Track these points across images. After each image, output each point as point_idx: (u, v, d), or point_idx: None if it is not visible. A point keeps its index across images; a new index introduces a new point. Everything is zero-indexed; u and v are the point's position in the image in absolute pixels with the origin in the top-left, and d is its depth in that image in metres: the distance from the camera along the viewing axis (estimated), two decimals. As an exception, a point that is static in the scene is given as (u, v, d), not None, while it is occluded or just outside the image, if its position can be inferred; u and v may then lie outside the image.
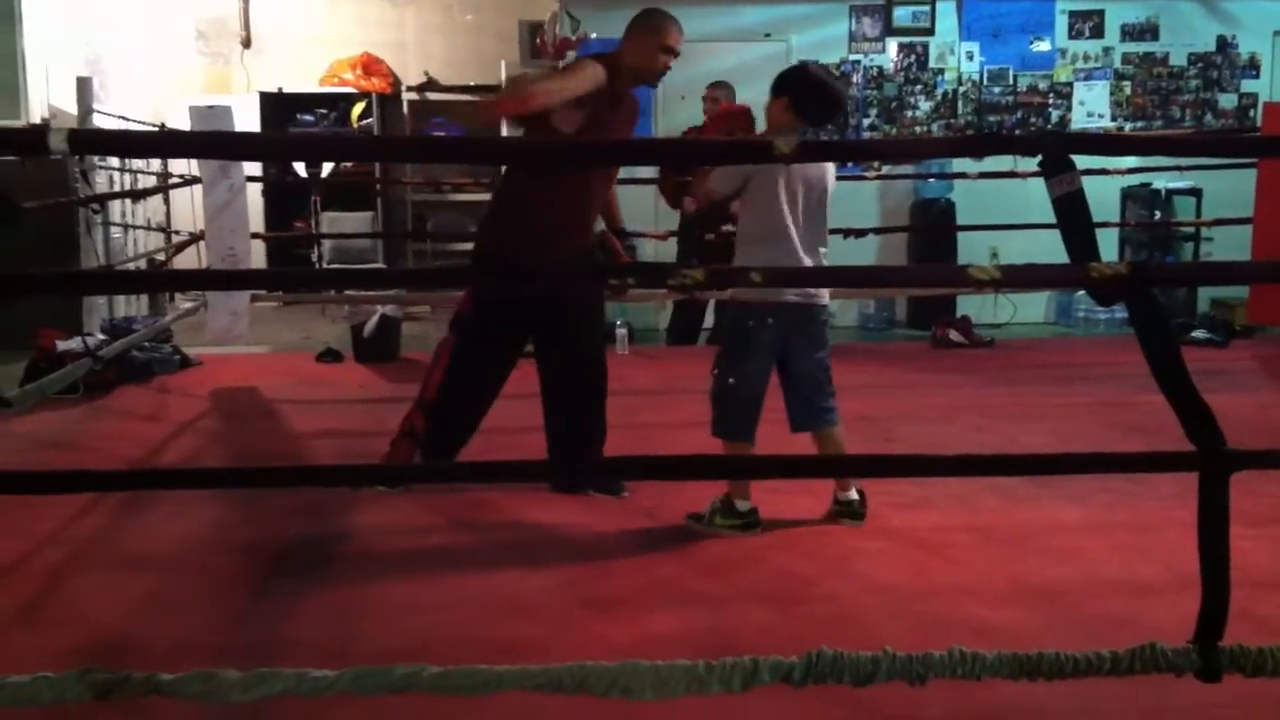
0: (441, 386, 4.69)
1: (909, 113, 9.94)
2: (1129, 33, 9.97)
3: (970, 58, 9.92)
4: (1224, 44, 9.99)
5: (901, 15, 9.85)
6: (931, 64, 9.93)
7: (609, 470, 4.51)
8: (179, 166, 8.90)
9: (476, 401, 4.71)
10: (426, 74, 11.28)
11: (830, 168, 4.20)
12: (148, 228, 9.81)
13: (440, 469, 4.57)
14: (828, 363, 4.23)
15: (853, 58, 9.85)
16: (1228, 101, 10.05)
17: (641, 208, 8.74)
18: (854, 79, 9.82)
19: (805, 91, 4.12)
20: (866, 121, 9.85)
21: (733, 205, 4.33)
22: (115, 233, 8.63)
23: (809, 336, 4.16)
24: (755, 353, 4.12)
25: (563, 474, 4.64)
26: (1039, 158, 2.25)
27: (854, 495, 4.23)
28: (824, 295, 4.21)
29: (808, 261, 4.06)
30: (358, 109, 11.06)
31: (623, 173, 9.06)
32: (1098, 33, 9.95)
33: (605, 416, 4.70)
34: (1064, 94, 9.99)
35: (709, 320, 8.69)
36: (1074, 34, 9.95)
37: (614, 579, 3.76)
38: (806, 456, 4.03)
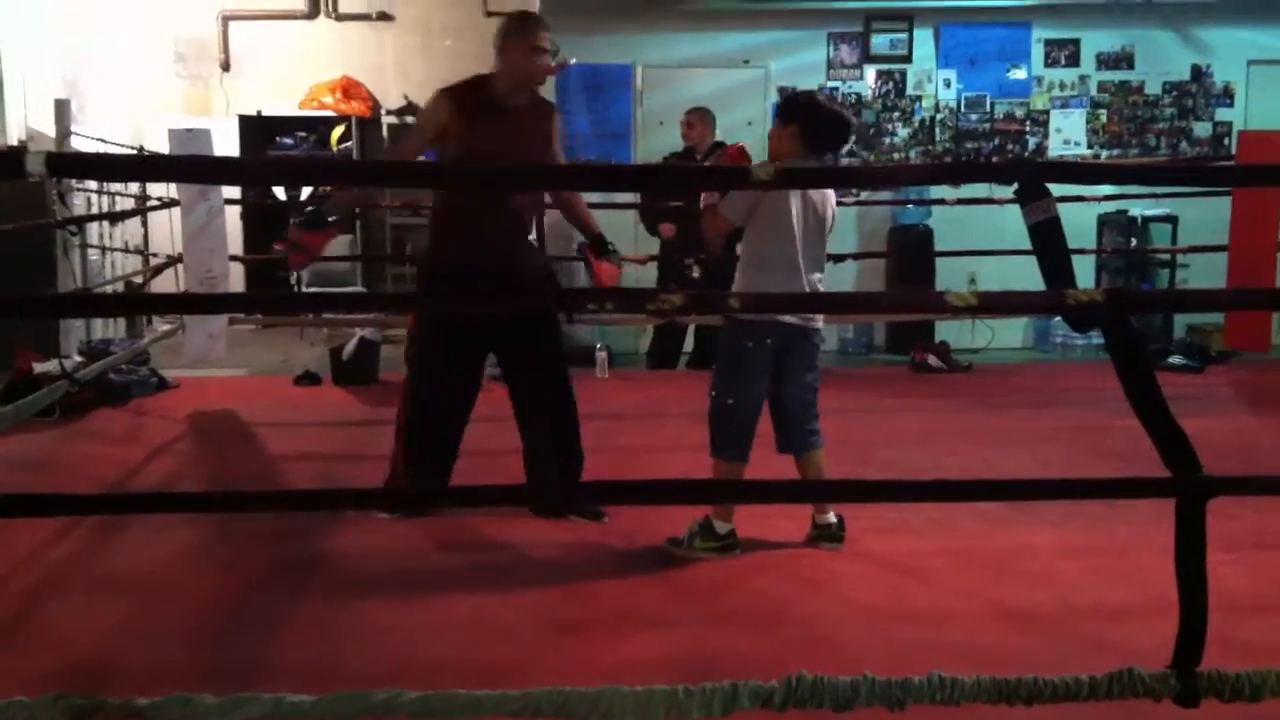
0: (406, 417, 4.70)
1: (887, 139, 10.00)
2: (1104, 61, 10.06)
3: (947, 85, 10.00)
4: (1199, 73, 10.09)
5: (879, 43, 9.93)
6: (909, 91, 10.00)
7: (588, 494, 4.51)
8: (157, 188, 8.88)
9: (444, 424, 4.69)
10: (406, 97, 11.28)
11: (831, 194, 4.26)
12: (125, 250, 9.78)
13: (419, 493, 4.56)
14: (817, 385, 4.28)
15: (830, 84, 9.92)
16: (1203, 129, 10.15)
17: (622, 232, 8.76)
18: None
19: (817, 120, 4.16)
20: (844, 148, 9.89)
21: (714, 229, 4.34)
22: (93, 255, 8.62)
23: (802, 359, 4.20)
24: (752, 372, 4.16)
25: (541, 498, 4.63)
26: (1014, 186, 2.27)
27: (832, 519, 4.24)
28: (819, 319, 4.26)
29: (809, 287, 4.12)
30: (337, 132, 11.05)
31: (601, 199, 9.14)
32: (1074, 61, 10.05)
33: (579, 438, 4.69)
34: (1040, 121, 10.07)
35: (689, 344, 8.71)
36: (1050, 62, 10.03)
37: (593, 602, 3.75)
38: (787, 482, 4.04)
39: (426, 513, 4.61)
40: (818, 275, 4.20)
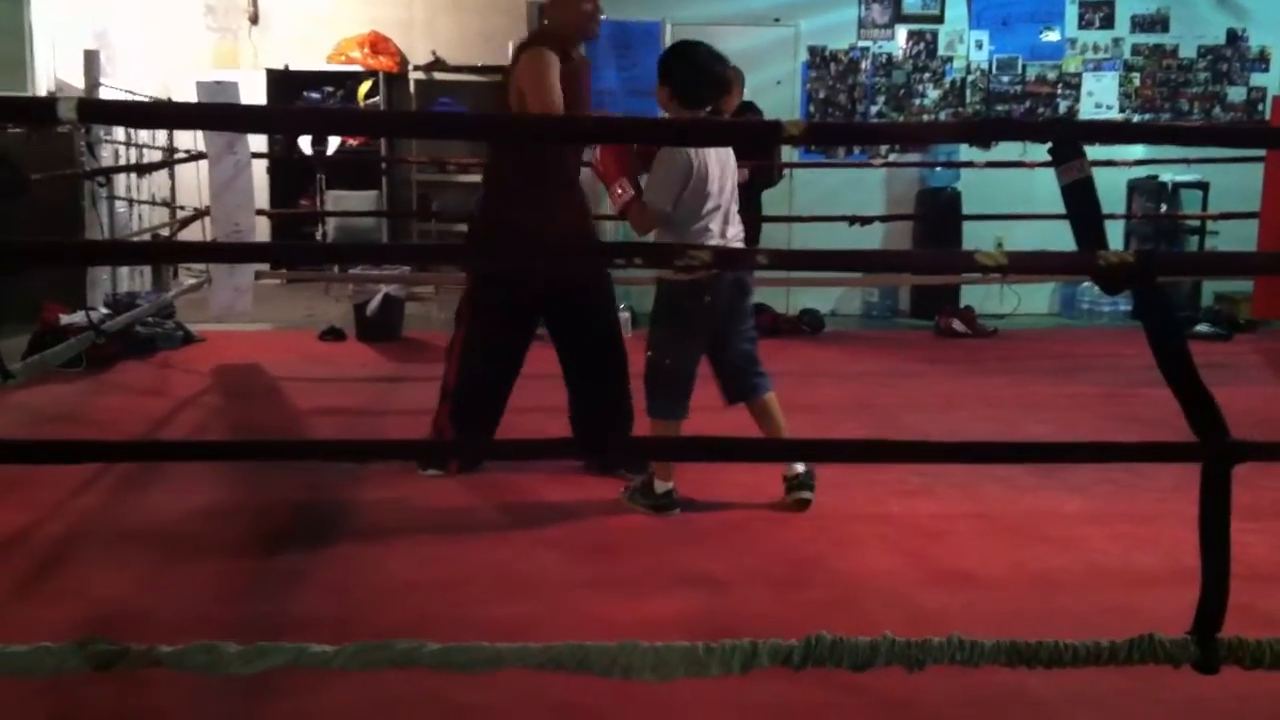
0: (458, 376, 4.69)
1: (917, 101, 9.91)
2: (1139, 24, 9.93)
3: (979, 46, 9.88)
4: (1234, 37, 9.95)
5: (911, 3, 9.82)
6: (940, 52, 9.89)
7: (641, 451, 4.51)
8: (184, 141, 8.89)
9: (494, 386, 4.70)
10: (434, 53, 11.25)
11: (731, 153, 4.22)
12: (153, 202, 9.80)
13: (468, 448, 4.57)
14: (754, 334, 4.31)
15: (861, 44, 9.82)
16: (1237, 95, 10.01)
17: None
18: (863, 65, 9.79)
19: (685, 77, 4.12)
20: (874, 109, 9.82)
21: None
22: (120, 207, 8.63)
23: (740, 311, 4.22)
24: (692, 331, 4.16)
25: (588, 453, 4.62)
26: (1048, 145, 2.24)
27: (799, 468, 4.24)
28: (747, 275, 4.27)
29: (728, 236, 4.15)
30: (364, 87, 11.02)
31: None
32: (1108, 23, 9.92)
33: (630, 397, 4.66)
34: (1072, 84, 9.95)
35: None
36: (1084, 24, 9.91)
37: (616, 560, 3.77)
38: (821, 440, 4.04)
39: (473, 469, 4.62)
40: (734, 231, 4.19)
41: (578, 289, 4.59)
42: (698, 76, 4.12)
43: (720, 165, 4.09)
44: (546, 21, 4.54)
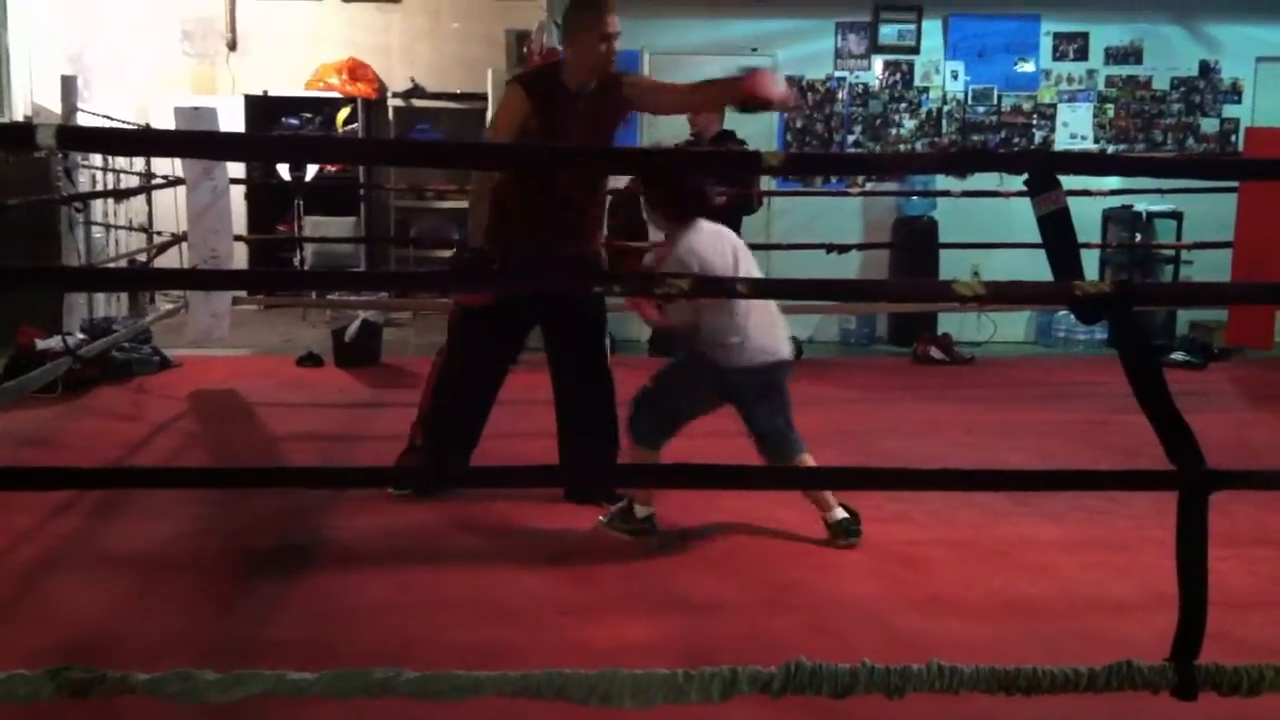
0: (434, 397, 4.70)
1: (893, 130, 9.97)
2: (1113, 56, 10.02)
3: (955, 77, 9.96)
4: (1207, 69, 10.05)
5: (887, 33, 9.88)
6: (916, 82, 9.96)
7: (605, 476, 4.51)
8: (162, 167, 8.86)
9: (471, 408, 4.69)
10: (412, 80, 11.27)
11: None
12: (130, 228, 9.77)
13: (450, 473, 4.57)
14: (789, 414, 4.23)
15: (838, 74, 9.87)
16: (1209, 126, 10.11)
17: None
18: (840, 95, 9.85)
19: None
20: (851, 138, 9.88)
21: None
22: (97, 232, 8.60)
23: (769, 399, 4.17)
24: (700, 399, 4.20)
25: (577, 483, 4.63)
26: (1024, 176, 2.27)
27: (842, 513, 4.20)
28: (785, 351, 4.22)
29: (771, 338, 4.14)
30: (343, 114, 11.04)
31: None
32: (1082, 55, 10.00)
33: (617, 426, 4.61)
34: (1047, 115, 10.03)
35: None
36: (1058, 55, 9.99)
37: (595, 586, 3.76)
38: (798, 469, 4.06)
39: (440, 492, 4.62)
40: (779, 330, 4.20)
41: (564, 315, 4.60)
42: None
43: (737, 259, 4.14)
44: (565, 48, 4.56)
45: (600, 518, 4.30)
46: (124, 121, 8.73)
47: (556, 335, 4.68)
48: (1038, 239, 2.29)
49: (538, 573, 3.85)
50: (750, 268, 4.20)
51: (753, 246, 8.06)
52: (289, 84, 11.16)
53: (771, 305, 4.20)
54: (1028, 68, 9.98)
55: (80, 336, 6.90)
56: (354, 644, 3.21)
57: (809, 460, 4.20)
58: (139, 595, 3.61)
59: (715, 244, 4.11)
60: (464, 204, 10.13)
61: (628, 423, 4.25)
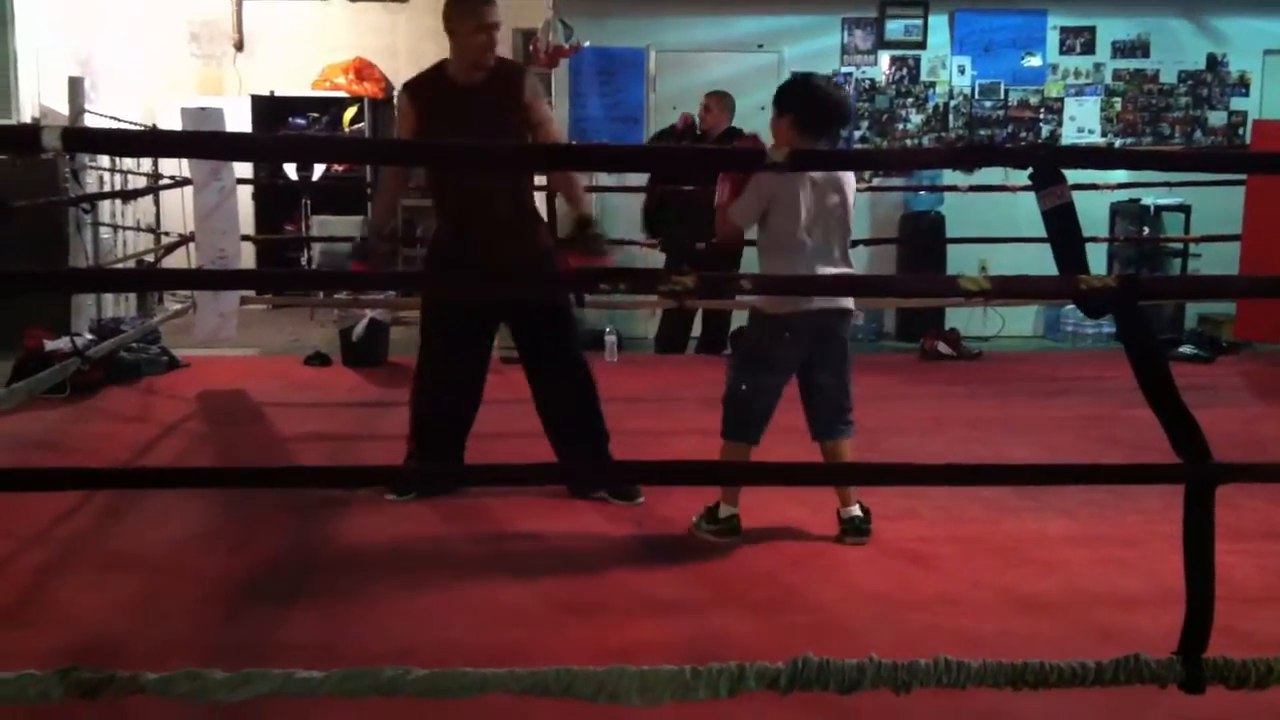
0: (414, 402, 4.73)
1: (900, 125, 9.96)
2: (1120, 49, 10.00)
3: (962, 72, 9.95)
4: (1214, 62, 10.03)
5: (894, 28, 9.88)
6: (923, 77, 9.96)
7: (619, 474, 4.50)
8: (169, 168, 8.89)
9: (450, 401, 4.70)
10: (419, 79, 11.28)
11: (850, 177, 4.20)
12: (137, 229, 9.80)
13: (447, 472, 4.59)
14: (847, 377, 4.24)
15: (845, 70, 9.87)
16: (1217, 119, 10.09)
17: (634, 215, 8.76)
18: (846, 90, 9.84)
19: (809, 105, 4.10)
20: (858, 133, 9.87)
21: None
22: (105, 233, 8.62)
23: (829, 350, 4.16)
24: (772, 366, 4.15)
25: (573, 477, 4.65)
26: (1030, 171, 2.26)
27: (857, 511, 4.20)
28: (847, 302, 4.21)
29: (822, 272, 4.06)
30: (349, 113, 11.06)
31: (613, 180, 9.12)
32: (1089, 49, 9.99)
33: (601, 417, 4.66)
34: (1055, 109, 10.02)
35: (697, 328, 8.71)
36: (1065, 50, 9.98)
37: (601, 586, 3.76)
38: (802, 464, 4.04)
39: (438, 493, 4.62)
40: (833, 268, 4.12)
41: (526, 310, 4.60)
42: (823, 104, 4.11)
43: (819, 197, 4.05)
44: (450, 42, 4.52)
45: (692, 518, 4.23)
46: (131, 122, 8.75)
47: (522, 334, 4.66)
48: (1045, 233, 2.29)
49: (544, 573, 3.85)
50: (835, 204, 4.11)
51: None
52: (295, 84, 11.18)
53: (835, 252, 4.14)
54: (1034, 62, 9.97)
55: (89, 337, 6.92)
56: (361, 646, 3.21)
57: (847, 446, 4.21)
58: (148, 597, 3.62)
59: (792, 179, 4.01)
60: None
61: (722, 424, 4.19)
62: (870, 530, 4.18)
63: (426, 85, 4.55)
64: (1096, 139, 10.03)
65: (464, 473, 4.44)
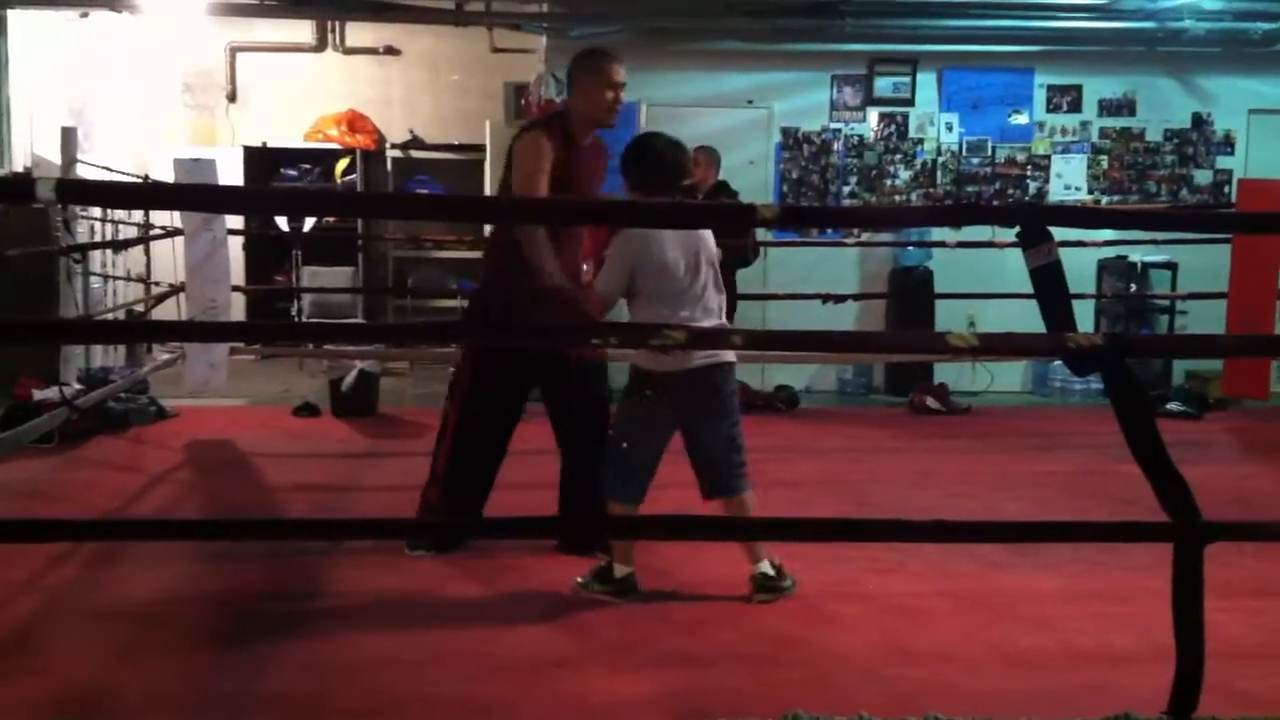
0: (450, 457, 4.68)
1: (889, 181, 10.03)
2: (1106, 108, 10.10)
3: (950, 128, 10.03)
4: (1200, 120, 10.13)
5: (882, 85, 9.96)
6: (911, 134, 10.03)
7: (603, 528, 4.48)
8: (161, 217, 8.89)
9: (486, 465, 4.69)
10: (411, 131, 11.35)
11: (708, 235, 4.18)
12: (128, 278, 9.79)
13: (452, 527, 4.57)
14: (734, 432, 4.16)
15: (834, 126, 9.94)
16: (1203, 177, 10.17)
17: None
18: (835, 146, 9.91)
19: (641, 169, 4.15)
20: (847, 189, 9.93)
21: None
22: (95, 283, 8.62)
23: (708, 409, 4.10)
24: (649, 421, 4.13)
25: (572, 537, 4.62)
26: (1017, 228, 2.29)
27: (767, 569, 4.13)
28: (729, 355, 4.13)
29: (704, 324, 4.04)
30: (342, 165, 11.10)
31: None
32: (1075, 107, 10.08)
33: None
34: (1042, 166, 10.10)
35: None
36: (1052, 108, 10.07)
37: (589, 639, 3.74)
38: (808, 519, 4.05)
39: (455, 549, 4.60)
40: (711, 320, 4.10)
41: (572, 366, 4.58)
42: (653, 167, 4.13)
43: (686, 249, 4.04)
44: (571, 96, 4.55)
45: (577, 579, 4.21)
46: (123, 173, 8.77)
47: (562, 387, 4.65)
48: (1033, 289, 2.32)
49: (533, 626, 3.84)
50: (699, 266, 4.08)
51: (750, 297, 8.20)
52: (288, 136, 11.23)
53: (711, 303, 4.11)
54: (1022, 120, 10.06)
55: (77, 387, 6.91)
56: (346, 699, 3.19)
57: (750, 500, 4.16)
58: (134, 648, 3.59)
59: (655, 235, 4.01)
60: (461, 254, 10.27)
61: (607, 484, 4.19)
62: (783, 588, 4.13)
63: (557, 131, 4.47)
64: (1083, 196, 10.10)
65: (467, 527, 4.39)
